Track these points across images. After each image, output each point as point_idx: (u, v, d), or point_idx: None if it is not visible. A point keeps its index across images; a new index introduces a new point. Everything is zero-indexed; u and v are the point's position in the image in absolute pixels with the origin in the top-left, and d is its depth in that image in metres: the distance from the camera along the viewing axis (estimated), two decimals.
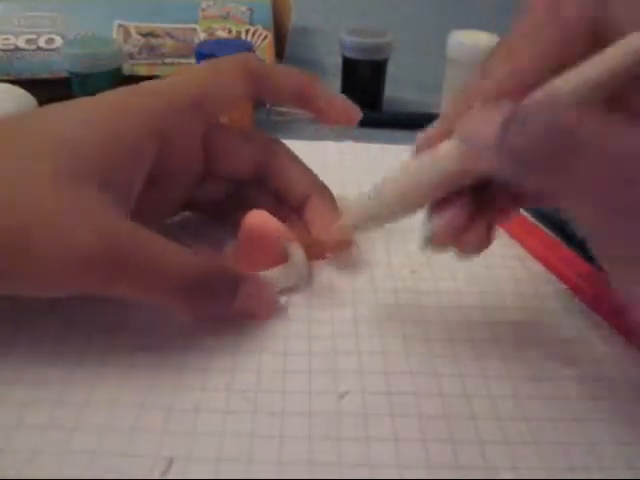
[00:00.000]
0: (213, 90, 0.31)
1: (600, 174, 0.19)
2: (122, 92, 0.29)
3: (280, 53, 0.60)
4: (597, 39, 0.23)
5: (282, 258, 0.31)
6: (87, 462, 0.23)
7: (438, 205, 0.26)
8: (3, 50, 0.53)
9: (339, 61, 0.55)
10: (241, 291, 0.28)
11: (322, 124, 0.35)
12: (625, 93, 0.23)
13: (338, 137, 0.49)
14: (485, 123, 0.22)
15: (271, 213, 0.31)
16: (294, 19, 0.64)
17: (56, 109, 0.28)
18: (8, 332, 0.28)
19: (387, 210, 0.27)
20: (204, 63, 0.32)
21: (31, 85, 0.48)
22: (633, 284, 0.21)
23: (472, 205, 0.25)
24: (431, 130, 0.26)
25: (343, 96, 0.34)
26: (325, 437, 0.24)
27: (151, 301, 0.27)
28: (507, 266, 0.34)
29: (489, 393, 0.26)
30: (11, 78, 0.51)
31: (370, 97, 0.55)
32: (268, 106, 0.54)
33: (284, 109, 0.54)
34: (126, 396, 0.25)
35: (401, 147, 0.47)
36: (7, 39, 0.54)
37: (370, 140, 0.49)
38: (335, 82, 0.57)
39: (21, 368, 0.27)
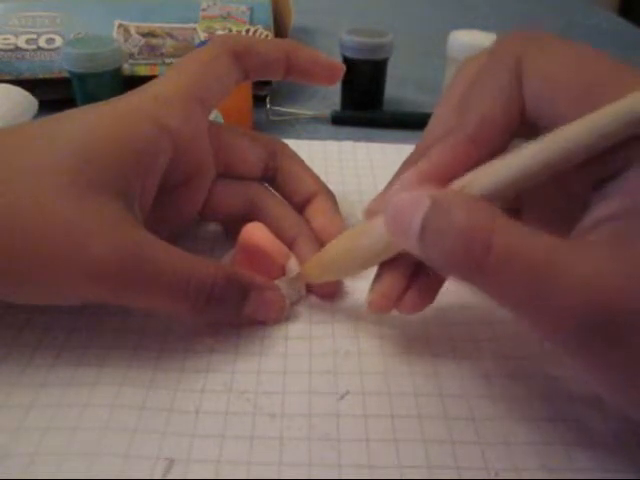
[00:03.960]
0: (210, 83, 0.30)
1: (513, 283, 0.20)
2: (129, 98, 0.29)
3: None
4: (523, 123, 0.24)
5: (279, 273, 0.31)
6: (88, 463, 0.23)
7: (381, 268, 0.28)
8: (3, 50, 0.53)
9: (339, 61, 0.55)
10: (251, 298, 0.28)
11: (310, 84, 0.34)
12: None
13: (338, 137, 0.49)
14: (407, 215, 0.22)
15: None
16: (294, 19, 0.64)
17: (69, 117, 0.27)
18: (8, 334, 0.28)
19: (329, 273, 0.29)
20: (193, 55, 0.31)
21: (31, 85, 0.48)
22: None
23: (412, 268, 0.27)
24: (375, 201, 0.27)
25: (325, 54, 0.34)
26: (325, 438, 0.24)
27: (161, 309, 0.28)
28: None
29: (490, 393, 0.26)
30: (11, 78, 0.51)
31: (370, 97, 0.55)
32: (268, 106, 0.54)
33: (284, 109, 0.54)
34: (127, 397, 0.25)
35: (401, 147, 0.47)
36: (7, 39, 0.54)
37: (370, 140, 0.49)
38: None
39: (21, 370, 0.27)
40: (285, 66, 0.32)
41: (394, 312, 0.28)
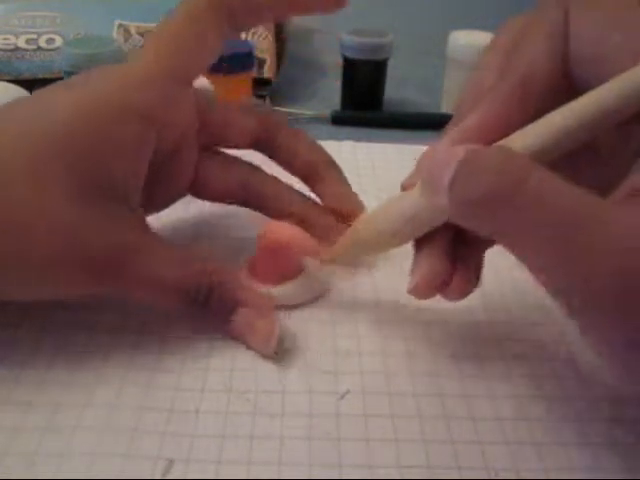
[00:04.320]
0: (193, 52, 0.29)
1: (539, 229, 0.19)
2: (109, 83, 0.27)
3: (280, 53, 0.60)
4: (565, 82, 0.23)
5: (299, 271, 0.30)
6: (88, 463, 0.23)
7: (420, 248, 0.26)
8: (3, 50, 0.53)
9: (339, 61, 0.55)
10: (238, 314, 0.27)
11: (312, 13, 0.32)
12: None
13: (338, 137, 0.49)
14: (441, 167, 0.21)
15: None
16: (294, 19, 0.64)
17: (52, 110, 0.26)
18: (7, 334, 0.28)
19: (362, 249, 0.28)
20: (180, 15, 0.28)
21: (31, 85, 0.48)
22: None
23: (453, 248, 0.26)
24: (411, 175, 0.26)
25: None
26: (325, 438, 0.24)
27: (152, 303, 0.28)
28: (509, 267, 0.34)
29: (490, 393, 0.26)
30: (11, 78, 0.51)
31: (370, 97, 0.55)
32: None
33: (284, 109, 0.54)
34: (126, 397, 0.25)
35: (401, 147, 0.47)
36: (7, 39, 0.54)
37: (370, 140, 0.49)
38: (335, 82, 0.57)
39: (21, 370, 0.27)
40: (276, 6, 0.30)
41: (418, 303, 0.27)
